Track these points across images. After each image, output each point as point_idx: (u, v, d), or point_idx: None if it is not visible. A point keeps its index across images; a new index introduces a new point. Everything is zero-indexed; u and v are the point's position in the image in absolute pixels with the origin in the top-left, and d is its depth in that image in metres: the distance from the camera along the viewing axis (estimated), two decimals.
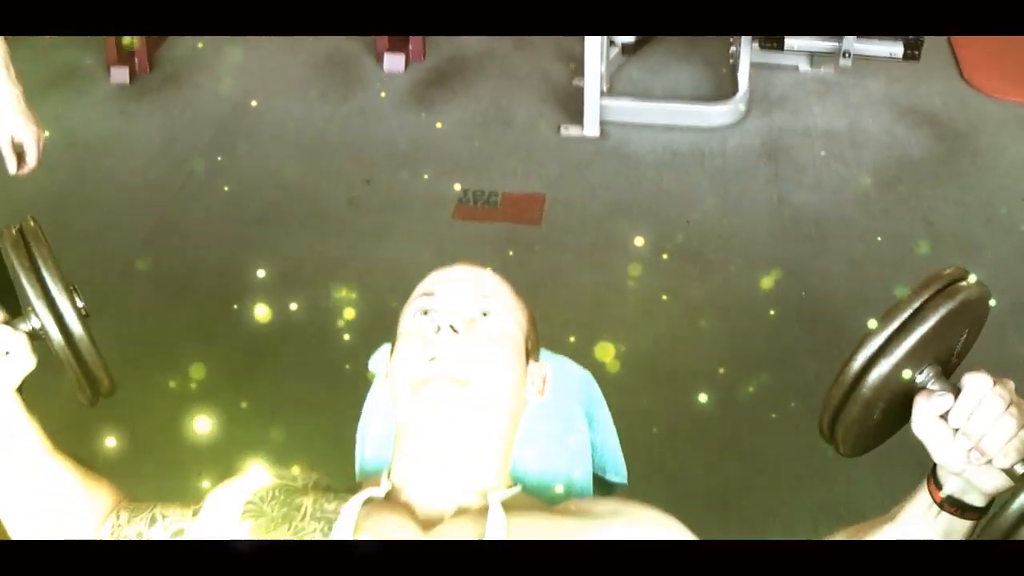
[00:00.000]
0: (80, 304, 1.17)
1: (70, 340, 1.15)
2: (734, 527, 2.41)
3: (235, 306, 3.07)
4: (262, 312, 2.98)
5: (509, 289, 1.34)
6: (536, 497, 1.31)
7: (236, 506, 1.20)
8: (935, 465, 1.03)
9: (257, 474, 1.26)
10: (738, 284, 3.19)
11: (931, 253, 3.25)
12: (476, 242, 3.37)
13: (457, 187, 3.61)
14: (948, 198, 3.52)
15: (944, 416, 0.98)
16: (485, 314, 1.28)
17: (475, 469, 1.24)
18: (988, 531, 0.94)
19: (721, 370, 2.83)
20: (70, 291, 1.16)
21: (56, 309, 1.14)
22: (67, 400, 1.26)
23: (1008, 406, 0.95)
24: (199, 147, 3.93)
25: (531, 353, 1.33)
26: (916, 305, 0.99)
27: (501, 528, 1.11)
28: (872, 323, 1.02)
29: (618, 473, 1.62)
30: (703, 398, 2.76)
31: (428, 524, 1.18)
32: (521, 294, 1.38)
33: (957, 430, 0.97)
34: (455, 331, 1.22)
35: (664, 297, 3.12)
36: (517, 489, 1.26)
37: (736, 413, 2.67)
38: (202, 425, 2.65)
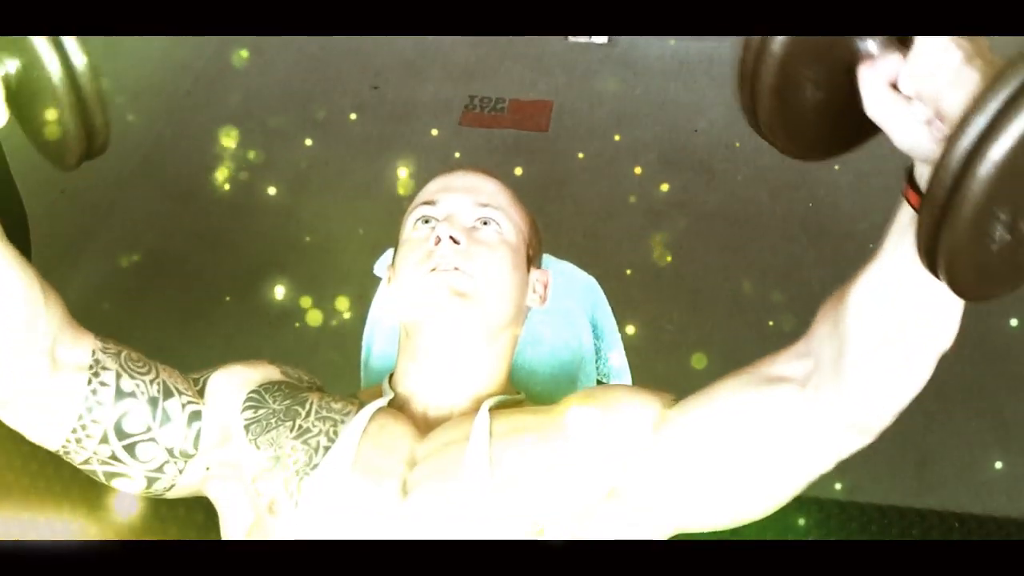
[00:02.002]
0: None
1: (70, 71, 0.90)
2: None
3: (241, 213, 3.08)
4: (268, 219, 2.99)
5: (509, 195, 1.33)
6: (538, 403, 1.32)
7: (239, 396, 1.20)
8: (911, 168, 0.84)
9: (262, 368, 1.26)
10: (745, 194, 3.18)
11: None
12: (483, 148, 3.36)
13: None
14: None
15: (896, 86, 0.79)
16: (485, 223, 1.28)
17: (474, 377, 1.25)
18: (933, 183, 0.71)
19: (726, 279, 2.84)
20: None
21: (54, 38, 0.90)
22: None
23: (971, 58, 0.74)
24: (205, 52, 3.89)
25: (532, 260, 1.33)
26: None
27: (484, 428, 1.12)
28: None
29: (622, 380, 1.63)
30: (708, 307, 2.77)
31: (427, 430, 1.19)
32: (528, 202, 1.37)
33: (912, 99, 0.78)
34: (455, 242, 1.22)
35: (670, 206, 3.11)
36: (519, 396, 1.27)
37: (741, 323, 2.69)
38: (204, 329, 2.68)
